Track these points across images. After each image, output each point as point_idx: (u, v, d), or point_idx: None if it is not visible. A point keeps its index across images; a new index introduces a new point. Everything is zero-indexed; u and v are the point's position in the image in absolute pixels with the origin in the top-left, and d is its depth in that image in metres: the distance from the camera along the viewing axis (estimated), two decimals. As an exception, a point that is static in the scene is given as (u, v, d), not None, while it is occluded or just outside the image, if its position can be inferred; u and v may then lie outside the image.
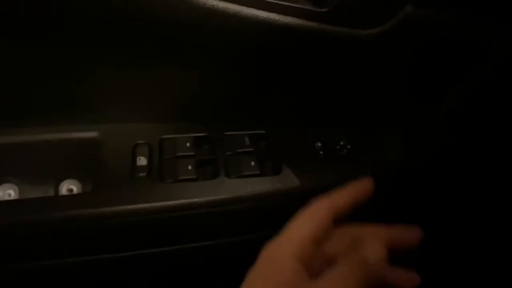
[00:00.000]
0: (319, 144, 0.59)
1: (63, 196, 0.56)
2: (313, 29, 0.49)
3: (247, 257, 0.36)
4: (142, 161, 0.55)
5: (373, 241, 0.39)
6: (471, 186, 0.67)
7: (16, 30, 0.48)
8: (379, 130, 0.62)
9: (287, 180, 0.55)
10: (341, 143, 0.59)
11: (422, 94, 0.59)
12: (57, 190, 0.58)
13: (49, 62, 0.52)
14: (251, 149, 0.57)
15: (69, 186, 0.58)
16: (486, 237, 0.70)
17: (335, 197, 0.41)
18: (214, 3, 0.46)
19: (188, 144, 0.57)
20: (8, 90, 0.54)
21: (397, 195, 0.63)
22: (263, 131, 0.60)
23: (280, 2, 0.47)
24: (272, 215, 0.58)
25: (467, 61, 0.56)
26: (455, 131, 0.60)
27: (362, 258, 0.37)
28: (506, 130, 0.62)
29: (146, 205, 0.51)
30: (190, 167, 0.54)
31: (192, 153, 0.56)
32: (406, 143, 0.61)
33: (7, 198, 0.55)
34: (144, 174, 0.54)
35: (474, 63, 0.56)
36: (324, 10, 0.48)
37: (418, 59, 0.55)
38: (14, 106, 0.56)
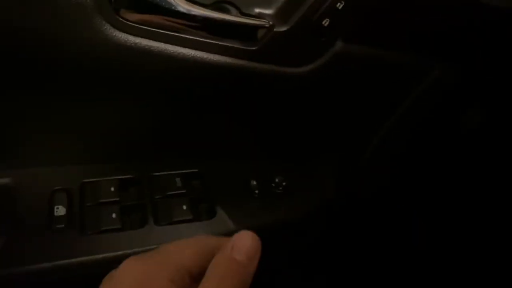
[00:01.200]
0: (254, 183, 0.57)
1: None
2: (243, 67, 0.47)
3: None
4: (60, 210, 0.49)
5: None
6: (408, 214, 0.68)
7: None
8: (314, 164, 0.61)
9: (222, 223, 0.52)
10: (276, 180, 0.58)
11: (356, 125, 0.59)
12: (-36, 242, 0.51)
13: None
14: (183, 191, 0.54)
15: (-22, 238, 0.52)
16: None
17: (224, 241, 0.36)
18: (136, 41, 0.43)
19: (112, 189, 0.52)
20: None
21: (334, 228, 0.63)
22: (196, 170, 0.57)
23: (207, 41, 0.45)
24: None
25: (400, 91, 0.57)
26: (389, 163, 0.61)
27: None
28: (440, 158, 0.64)
29: (65, 261, 0.45)
30: (114, 215, 0.49)
31: (117, 199, 0.51)
32: (341, 176, 0.60)
33: None
34: (63, 225, 0.48)
35: (407, 93, 0.57)
36: (253, 48, 0.46)
37: (351, 91, 0.55)
38: None
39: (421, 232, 0.69)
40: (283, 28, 0.46)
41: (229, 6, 0.46)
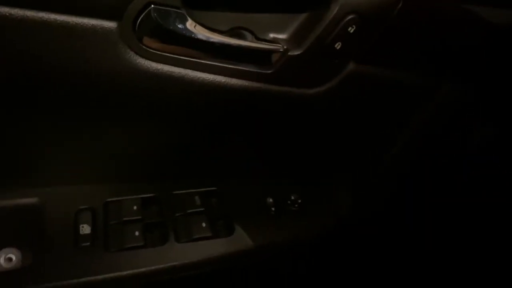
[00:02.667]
0: (271, 200, 0.59)
1: (1, 272, 0.51)
2: (258, 89, 0.49)
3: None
4: (85, 229, 0.52)
5: None
6: (421, 231, 0.69)
7: None
8: (329, 181, 0.62)
9: (240, 240, 0.54)
10: (292, 197, 0.59)
11: (369, 143, 0.61)
12: (-6, 259, 0.54)
13: None
14: (201, 209, 0.56)
15: (7, 255, 0.54)
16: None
17: None
18: (158, 67, 0.45)
19: (135, 207, 0.54)
20: None
21: (349, 245, 0.64)
22: (214, 188, 0.59)
23: (225, 65, 0.47)
24: (226, 277, 0.57)
25: (410, 109, 0.58)
26: (402, 180, 0.62)
27: None
28: (454, 175, 0.65)
29: (91, 278, 0.48)
30: (137, 233, 0.51)
31: (139, 217, 0.54)
32: (356, 194, 0.62)
33: None
34: (88, 243, 0.51)
35: (416, 111, 0.59)
36: (269, 72, 0.48)
37: (363, 110, 0.57)
38: None
39: (433, 246, 0.69)
40: (297, 52, 0.48)
41: (245, 32, 0.49)
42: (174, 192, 0.57)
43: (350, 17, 0.46)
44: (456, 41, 0.53)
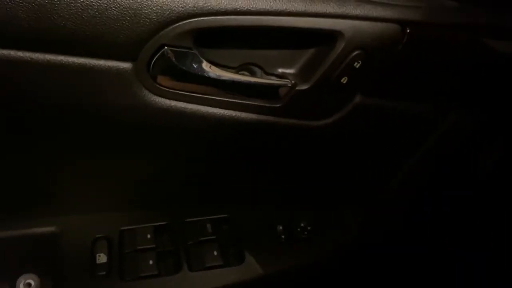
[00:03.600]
0: (280, 228, 0.60)
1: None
2: (268, 122, 0.50)
3: None
4: (102, 258, 0.54)
5: None
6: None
7: None
8: (337, 208, 0.63)
9: (251, 269, 0.55)
10: (302, 224, 0.60)
11: (376, 171, 0.62)
12: (14, 286, 0.55)
13: (2, 159, 0.51)
14: (213, 237, 0.57)
15: (27, 281, 0.56)
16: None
17: None
18: (172, 104, 0.47)
19: (148, 236, 0.56)
20: None
21: (359, 270, 0.64)
22: (225, 215, 0.61)
23: (235, 101, 0.49)
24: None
25: (416, 138, 0.60)
26: (410, 206, 0.63)
27: None
28: (459, 201, 0.66)
29: (107, 307, 0.49)
30: (151, 262, 0.53)
31: (153, 245, 0.55)
32: (363, 219, 0.63)
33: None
34: (104, 272, 0.52)
35: (422, 139, 0.60)
36: (277, 105, 0.50)
37: (370, 140, 0.58)
38: None
39: (443, 270, 0.70)
40: (305, 87, 0.49)
41: (254, 67, 0.50)
42: (187, 220, 0.59)
43: (356, 52, 0.48)
44: (461, 70, 0.54)
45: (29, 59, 0.41)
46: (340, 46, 0.47)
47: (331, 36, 0.47)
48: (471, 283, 0.70)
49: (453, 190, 0.66)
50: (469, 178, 0.66)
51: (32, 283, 0.56)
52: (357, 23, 0.47)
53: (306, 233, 0.60)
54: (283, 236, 0.59)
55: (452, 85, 0.55)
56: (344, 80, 0.50)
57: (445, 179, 0.65)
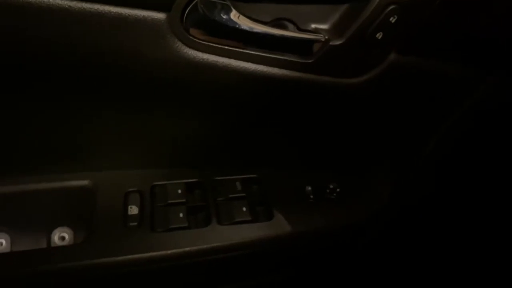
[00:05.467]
0: (309, 188, 0.60)
1: (54, 248, 0.55)
2: (300, 79, 0.50)
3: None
4: (133, 210, 0.55)
5: None
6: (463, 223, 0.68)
7: (9, 82, 0.49)
8: (368, 172, 0.63)
9: (279, 225, 0.56)
10: (331, 186, 0.60)
11: (409, 135, 0.61)
12: (49, 238, 0.58)
13: (40, 113, 0.53)
14: (243, 194, 0.58)
15: (61, 234, 0.58)
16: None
17: None
18: (204, 57, 0.47)
19: (179, 191, 0.57)
20: None
21: (389, 235, 0.64)
22: (255, 175, 0.61)
23: (267, 55, 0.49)
24: (265, 260, 0.59)
25: (452, 102, 0.58)
26: (442, 172, 0.62)
27: None
28: (494, 168, 0.64)
29: (138, 255, 0.51)
30: (181, 215, 0.54)
31: (184, 200, 0.56)
32: (395, 184, 0.62)
33: (-1, 247, 0.55)
34: (136, 223, 0.54)
35: (458, 104, 0.58)
36: (309, 61, 0.49)
37: (404, 101, 0.57)
38: (4, 157, 0.56)
39: (470, 239, 0.68)
40: (338, 42, 0.48)
41: (287, 23, 0.50)
42: (217, 178, 0.60)
43: (391, 7, 0.47)
44: (501, 31, 0.52)
45: (66, 6, 0.42)
46: (375, 0, 0.46)
47: (366, -10, 0.47)
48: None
49: (488, 160, 0.64)
50: (506, 150, 0.64)
51: (66, 236, 0.58)
52: (392, -24, 0.46)
53: (335, 194, 0.60)
54: (311, 197, 0.59)
55: (490, 47, 0.54)
56: (379, 35, 0.49)
57: (481, 147, 0.63)
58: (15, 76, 0.48)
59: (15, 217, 0.57)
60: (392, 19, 0.48)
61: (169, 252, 0.52)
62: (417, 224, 0.65)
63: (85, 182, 0.58)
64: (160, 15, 0.44)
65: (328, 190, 0.60)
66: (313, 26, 0.50)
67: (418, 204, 0.63)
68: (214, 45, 0.47)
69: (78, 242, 0.56)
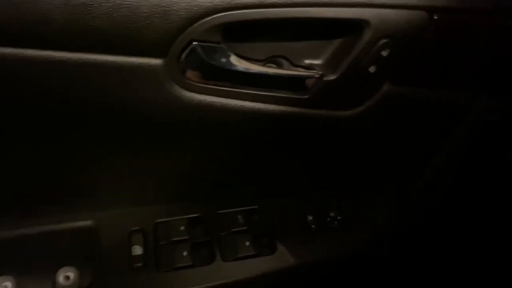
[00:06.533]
0: (311, 218, 0.60)
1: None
2: (296, 114, 0.51)
3: None
4: (137, 250, 0.55)
5: None
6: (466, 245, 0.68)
7: (14, 125, 0.50)
8: (367, 199, 0.63)
9: (283, 258, 0.56)
10: (331, 214, 0.61)
11: (407, 161, 0.61)
12: (54, 279, 0.58)
13: (42, 153, 0.53)
14: (245, 228, 0.58)
15: (66, 274, 0.58)
16: None
17: None
18: (201, 98, 0.48)
19: (182, 228, 0.57)
20: (1, 184, 0.55)
21: (391, 260, 0.64)
22: (256, 206, 0.62)
23: (263, 93, 0.49)
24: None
25: (446, 127, 0.59)
26: (441, 195, 0.62)
27: None
28: (491, 189, 0.65)
29: (144, 298, 0.51)
30: (185, 253, 0.54)
31: (187, 237, 0.56)
32: (395, 210, 0.62)
33: (3, 292, 0.55)
34: (140, 264, 0.54)
35: (453, 129, 0.59)
36: (305, 97, 0.50)
37: (400, 130, 0.58)
38: (6, 199, 0.56)
39: (474, 261, 0.69)
40: (332, 77, 0.49)
41: (281, 60, 0.51)
42: (219, 212, 0.60)
43: (383, 41, 0.48)
44: (489, 57, 0.53)
45: (65, 59, 0.43)
46: (367, 35, 0.47)
47: (357, 26, 0.47)
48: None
49: (487, 178, 0.65)
50: (501, 169, 0.65)
51: (71, 275, 0.58)
52: (383, 11, 0.47)
53: (336, 222, 0.60)
54: (313, 226, 0.60)
55: (481, 72, 0.54)
56: (372, 69, 0.50)
57: (476, 170, 0.64)
58: (19, 119, 0.49)
59: (19, 260, 0.57)
60: (384, 53, 0.49)
61: (175, 292, 0.52)
62: (419, 248, 0.66)
63: (88, 223, 0.58)
64: (157, 61, 0.45)
65: (329, 219, 0.61)
66: (307, 61, 0.51)
67: (418, 229, 0.64)
68: (210, 86, 0.48)
69: (83, 283, 0.56)
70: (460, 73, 0.54)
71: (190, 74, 0.47)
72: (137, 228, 0.58)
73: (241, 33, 0.48)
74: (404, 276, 0.67)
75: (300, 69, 0.50)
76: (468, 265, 0.69)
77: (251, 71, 0.48)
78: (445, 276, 0.69)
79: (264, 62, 0.50)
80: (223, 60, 0.47)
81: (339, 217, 0.61)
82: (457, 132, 0.59)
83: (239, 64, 0.47)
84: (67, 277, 0.58)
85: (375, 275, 0.66)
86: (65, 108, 0.47)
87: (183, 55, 0.45)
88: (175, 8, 0.42)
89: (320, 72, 0.49)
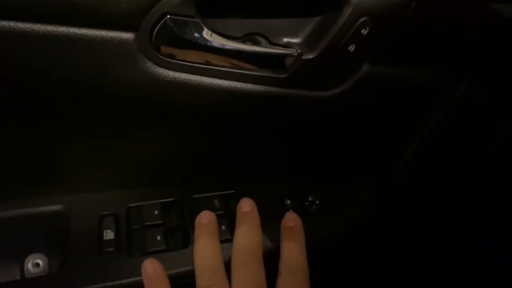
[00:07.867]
0: (289, 202, 0.59)
1: (29, 279, 0.53)
2: (274, 93, 0.50)
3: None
4: (109, 234, 0.53)
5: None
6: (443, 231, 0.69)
7: None
8: (346, 183, 0.63)
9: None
10: (310, 198, 0.60)
11: (386, 145, 0.61)
12: (22, 265, 0.55)
13: (6, 134, 0.51)
14: (221, 212, 0.57)
15: (35, 261, 0.56)
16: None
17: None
18: (175, 75, 0.46)
19: (156, 212, 0.55)
20: None
21: (370, 246, 0.64)
22: (233, 191, 0.60)
23: (240, 71, 0.48)
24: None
25: (425, 111, 0.58)
26: (421, 180, 0.62)
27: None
28: (471, 174, 0.65)
29: (116, 282, 0.49)
30: (159, 237, 0.53)
31: (161, 221, 0.55)
32: (374, 195, 0.62)
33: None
34: (112, 248, 0.52)
35: (434, 111, 0.58)
36: (283, 76, 0.49)
37: (379, 112, 0.57)
38: None
39: (454, 247, 0.69)
40: (311, 56, 0.48)
41: (259, 37, 0.49)
42: (194, 196, 0.59)
43: (362, 19, 0.47)
44: (473, 39, 0.53)
45: (29, 30, 0.41)
46: (346, 13, 0.46)
47: (336, 3, 0.46)
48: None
49: (465, 165, 0.65)
50: (481, 156, 0.65)
51: (40, 263, 0.56)
52: (363, -12, 0.46)
53: (314, 207, 0.59)
54: (291, 210, 0.59)
55: (462, 53, 0.54)
56: (351, 48, 0.48)
57: (456, 155, 0.64)
58: None
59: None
60: (364, 31, 0.48)
61: (147, 277, 0.50)
62: (399, 234, 0.65)
63: (58, 207, 0.56)
64: (128, 35, 0.43)
65: (307, 203, 0.60)
66: (285, 40, 0.49)
67: (398, 215, 0.64)
68: (185, 63, 0.46)
69: (53, 269, 0.54)
70: (440, 55, 0.53)
71: (163, 49, 0.45)
72: (109, 212, 0.56)
73: (217, 8, 0.46)
74: (383, 262, 0.67)
75: (278, 47, 0.49)
76: (448, 252, 0.69)
77: (226, 47, 0.46)
78: (425, 263, 0.69)
79: (241, 39, 0.49)
80: (198, 35, 0.45)
81: (317, 202, 0.60)
82: (436, 116, 0.59)
83: (214, 39, 0.46)
84: (37, 264, 0.56)
85: (354, 260, 0.65)
86: (29, 83, 0.45)
87: (156, 29, 0.43)
88: (147, -22, 0.41)
89: (299, 51, 0.48)
